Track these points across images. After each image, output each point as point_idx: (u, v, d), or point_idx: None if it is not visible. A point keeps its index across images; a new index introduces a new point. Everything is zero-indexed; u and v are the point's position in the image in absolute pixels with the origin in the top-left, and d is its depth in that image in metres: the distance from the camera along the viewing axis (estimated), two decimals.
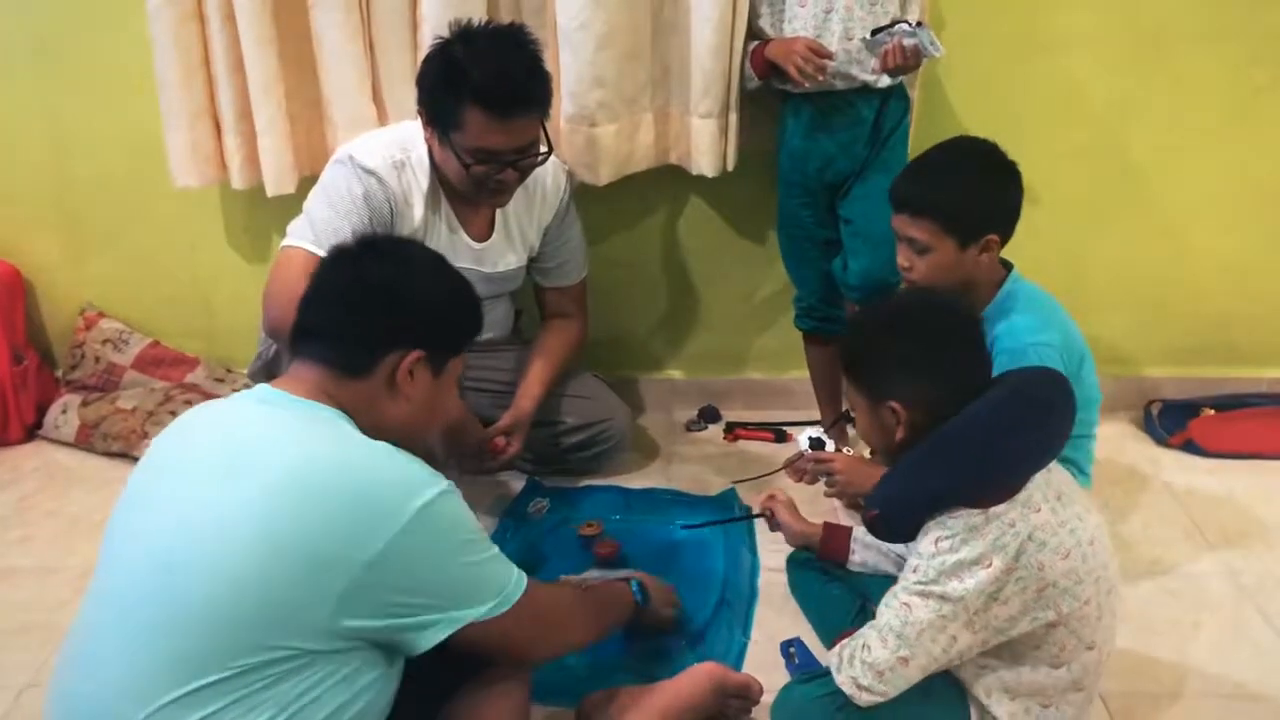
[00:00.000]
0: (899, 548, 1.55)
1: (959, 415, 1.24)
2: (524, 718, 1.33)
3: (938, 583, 1.23)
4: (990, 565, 1.21)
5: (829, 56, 1.81)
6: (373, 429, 1.18)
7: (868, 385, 1.33)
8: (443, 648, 1.15)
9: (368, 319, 1.22)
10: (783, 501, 1.76)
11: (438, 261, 1.33)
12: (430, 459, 1.89)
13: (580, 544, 1.87)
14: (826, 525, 1.70)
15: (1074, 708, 1.31)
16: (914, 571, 1.26)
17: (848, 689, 1.27)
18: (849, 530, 1.63)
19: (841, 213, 1.99)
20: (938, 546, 1.23)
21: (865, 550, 1.62)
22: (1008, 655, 1.28)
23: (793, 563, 1.76)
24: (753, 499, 2.04)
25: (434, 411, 1.28)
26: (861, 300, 1.95)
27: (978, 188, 1.63)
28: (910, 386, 1.29)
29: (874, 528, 1.33)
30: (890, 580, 1.55)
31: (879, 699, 1.26)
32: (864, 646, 1.27)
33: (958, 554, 1.22)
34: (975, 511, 1.22)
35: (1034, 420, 1.26)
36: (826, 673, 1.33)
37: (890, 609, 1.27)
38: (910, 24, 1.78)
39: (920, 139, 1.96)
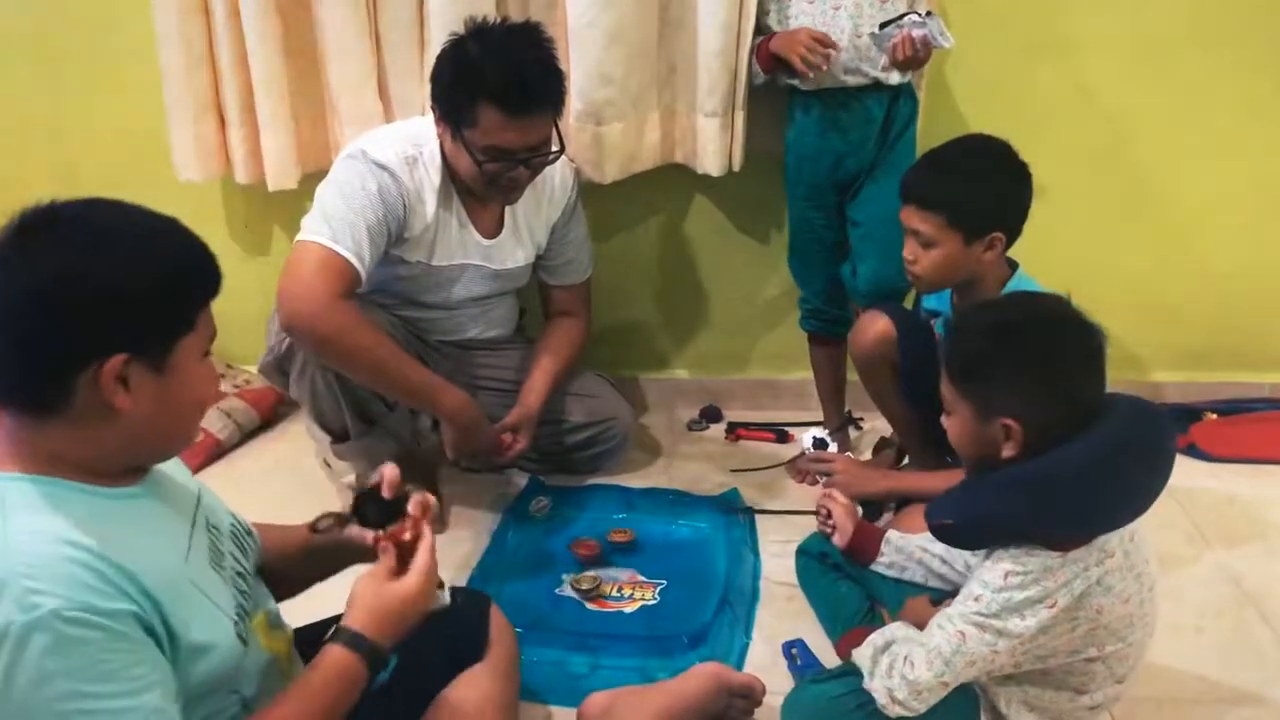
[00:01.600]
0: (934, 561, 1.53)
1: (1063, 455, 1.17)
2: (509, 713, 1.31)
3: (999, 617, 1.19)
4: (1054, 606, 1.18)
5: (833, 46, 1.79)
6: (112, 461, 0.97)
7: (981, 397, 1.22)
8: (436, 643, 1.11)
9: (27, 340, 0.91)
10: (843, 503, 1.63)
11: (102, 231, 0.95)
12: (439, 457, 1.94)
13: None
14: (858, 526, 1.65)
15: None
16: (975, 600, 1.21)
17: (881, 697, 1.24)
18: (881, 532, 1.61)
19: (850, 215, 1.99)
20: (1006, 581, 1.19)
21: (896, 554, 1.56)
22: (1036, 676, 1.27)
23: (803, 555, 1.73)
24: (754, 495, 2.05)
25: (181, 410, 0.99)
26: (871, 305, 1.93)
27: (987, 184, 1.63)
28: (1030, 405, 1.19)
29: (942, 533, 1.29)
30: (905, 587, 1.55)
31: (909, 715, 1.24)
32: (908, 661, 1.24)
33: (1026, 592, 1.18)
34: (1053, 553, 1.19)
35: (1139, 474, 1.20)
36: (841, 672, 1.32)
37: (944, 633, 1.22)
38: (920, 14, 1.77)
39: (926, 140, 1.95)
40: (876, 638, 1.31)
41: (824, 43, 1.79)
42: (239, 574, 1.09)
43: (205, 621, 0.97)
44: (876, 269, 1.94)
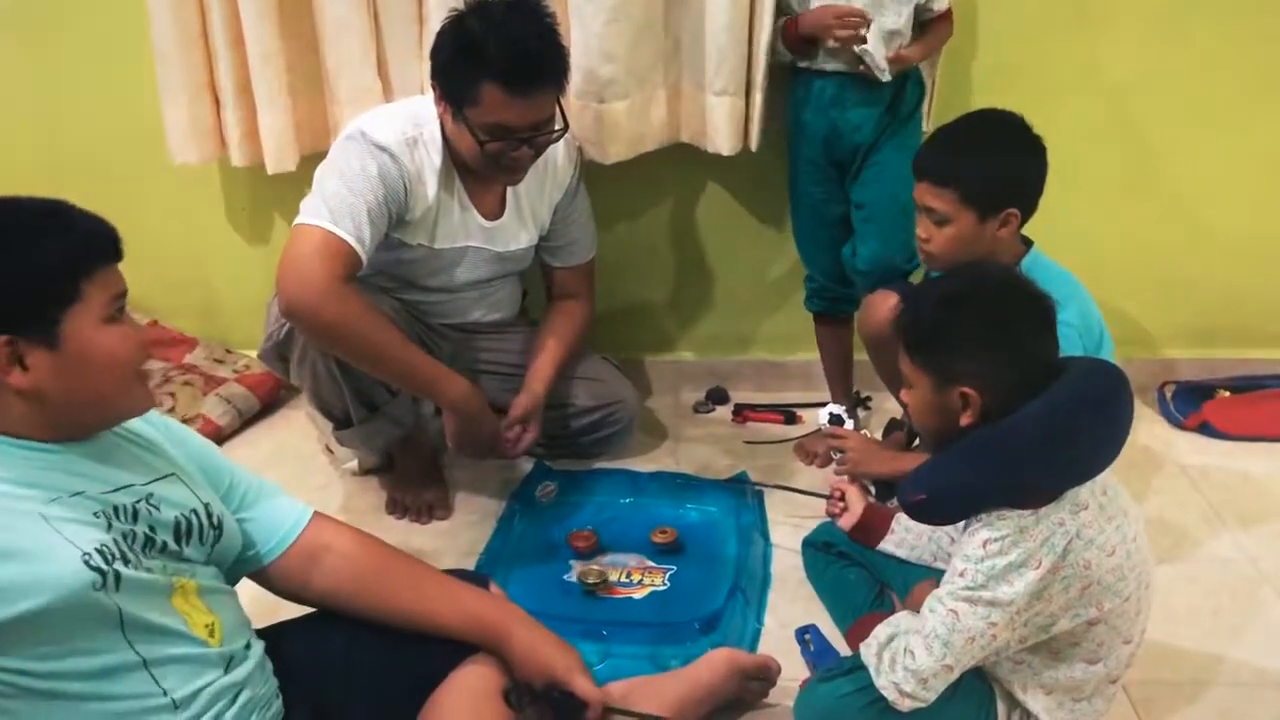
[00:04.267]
0: (944, 539, 1.51)
1: (1025, 413, 1.18)
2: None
3: (987, 588, 1.18)
4: (1039, 566, 1.17)
5: (860, 15, 1.76)
6: (38, 429, 1.02)
7: (937, 367, 1.23)
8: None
9: None
10: (857, 489, 1.63)
11: None
12: (442, 443, 1.91)
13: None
14: (867, 506, 1.64)
15: (1105, 700, 1.30)
16: (960, 575, 1.20)
17: (890, 694, 1.23)
18: (891, 513, 1.59)
19: (852, 196, 1.96)
20: (986, 549, 1.18)
21: (906, 531, 1.57)
22: (1045, 653, 1.26)
23: (808, 546, 1.72)
24: (763, 478, 2.02)
25: (93, 376, 1.02)
26: (872, 287, 1.90)
27: (1002, 160, 1.60)
28: (986, 371, 1.20)
29: (916, 510, 1.28)
30: (912, 570, 1.53)
31: (921, 705, 1.22)
32: (907, 652, 1.23)
33: (1007, 557, 1.17)
34: (1025, 512, 1.18)
35: (1100, 426, 1.21)
36: (849, 669, 1.30)
37: (936, 615, 1.22)
38: (865, 41, 1.78)
39: (939, 116, 1.93)
40: (880, 632, 1.29)
41: (852, 13, 1.76)
42: (149, 539, 1.06)
43: (35, 544, 0.97)
44: (877, 251, 1.91)
